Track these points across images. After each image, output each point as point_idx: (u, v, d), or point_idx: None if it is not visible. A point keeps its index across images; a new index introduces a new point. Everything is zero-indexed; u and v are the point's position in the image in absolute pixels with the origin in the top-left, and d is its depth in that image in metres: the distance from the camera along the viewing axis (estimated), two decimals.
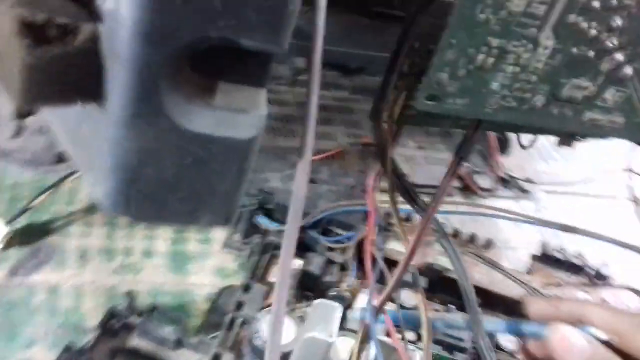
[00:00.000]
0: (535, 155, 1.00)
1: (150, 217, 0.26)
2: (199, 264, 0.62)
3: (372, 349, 0.36)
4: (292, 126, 0.88)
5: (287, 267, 0.24)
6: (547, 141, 1.00)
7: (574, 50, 0.29)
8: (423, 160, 0.89)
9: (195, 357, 0.48)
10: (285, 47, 0.23)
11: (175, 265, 0.61)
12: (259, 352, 0.44)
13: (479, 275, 0.63)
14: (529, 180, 0.88)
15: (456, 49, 0.28)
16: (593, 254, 0.66)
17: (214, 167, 0.25)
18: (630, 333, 0.32)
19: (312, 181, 0.66)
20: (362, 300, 0.51)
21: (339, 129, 0.90)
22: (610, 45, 0.29)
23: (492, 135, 0.89)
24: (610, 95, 0.31)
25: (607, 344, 0.33)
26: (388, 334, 0.38)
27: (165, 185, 0.25)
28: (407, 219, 0.66)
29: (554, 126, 0.32)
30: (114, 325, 0.46)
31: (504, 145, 0.89)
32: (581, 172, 0.89)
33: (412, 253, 0.35)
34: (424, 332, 0.36)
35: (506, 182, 0.87)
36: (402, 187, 0.36)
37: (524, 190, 0.88)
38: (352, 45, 0.95)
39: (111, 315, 0.47)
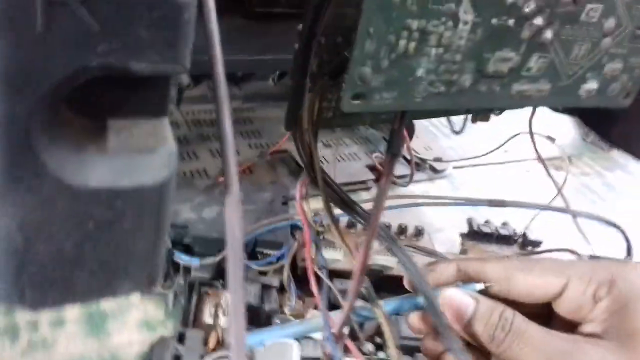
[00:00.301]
0: (438, 133, 1.01)
1: (54, 301, 0.21)
2: (119, 321, 0.55)
3: None
4: (190, 148, 0.83)
5: (239, 326, 0.20)
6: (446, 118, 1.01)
7: (494, 21, 0.27)
8: (332, 158, 0.87)
9: None
10: (187, 65, 0.19)
11: (93, 328, 0.54)
12: None
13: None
14: (438, 160, 0.89)
15: (375, 38, 0.25)
16: (517, 221, 0.67)
17: (124, 226, 0.20)
18: (512, 277, 0.33)
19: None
20: None
21: (240, 142, 0.86)
22: (528, 10, 0.27)
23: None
24: (534, 62, 0.29)
25: (483, 292, 0.33)
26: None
27: (66, 262, 0.20)
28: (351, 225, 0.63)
29: (484, 104, 0.30)
30: None
31: (410, 130, 0.89)
32: (486, 142, 0.91)
33: (362, 268, 0.31)
34: (392, 351, 0.33)
35: (418, 165, 0.87)
36: (337, 196, 0.33)
37: (436, 171, 0.88)
38: (235, 51, 0.91)
39: None
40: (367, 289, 0.34)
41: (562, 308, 0.33)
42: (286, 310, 0.52)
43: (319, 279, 0.39)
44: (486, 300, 0.32)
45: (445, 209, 0.82)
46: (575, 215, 0.58)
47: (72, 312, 0.55)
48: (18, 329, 0.52)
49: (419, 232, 0.65)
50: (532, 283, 0.33)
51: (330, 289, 0.39)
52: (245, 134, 0.88)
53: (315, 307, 0.52)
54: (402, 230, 0.66)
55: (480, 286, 0.34)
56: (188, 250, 0.57)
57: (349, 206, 0.33)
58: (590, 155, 1.04)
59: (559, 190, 0.77)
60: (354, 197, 0.34)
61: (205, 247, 0.56)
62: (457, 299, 0.32)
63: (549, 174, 0.75)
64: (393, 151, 0.31)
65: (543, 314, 0.33)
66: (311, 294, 0.55)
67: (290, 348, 0.33)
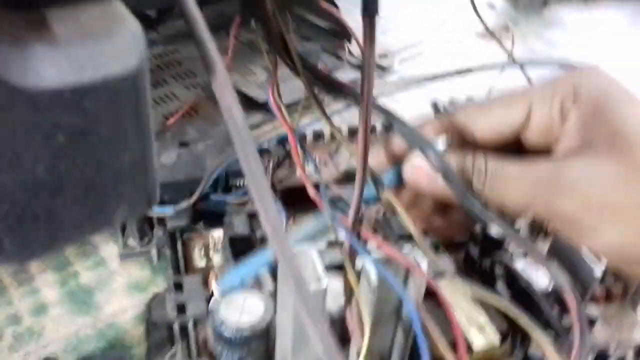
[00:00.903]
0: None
1: (41, 246, 0.17)
2: (105, 292, 0.51)
3: (367, 273, 0.31)
4: None
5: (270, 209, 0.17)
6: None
7: None
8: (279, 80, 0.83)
9: None
10: None
11: (80, 306, 0.50)
12: (235, 341, 0.37)
13: None
14: (383, 56, 0.86)
15: None
16: (481, 93, 0.66)
17: (101, 133, 0.16)
18: (473, 121, 0.31)
19: (184, 144, 0.57)
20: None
21: (176, 85, 0.80)
22: None
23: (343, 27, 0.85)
24: None
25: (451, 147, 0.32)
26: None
27: (43, 191, 0.16)
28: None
29: None
30: None
31: (347, 34, 0.85)
32: (421, 30, 0.89)
33: (365, 146, 0.28)
34: (411, 229, 0.31)
35: (361, 67, 0.84)
36: (318, 79, 0.30)
37: (384, 68, 0.85)
38: None
39: None
40: (372, 173, 0.31)
41: (532, 136, 0.30)
42: None
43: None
44: (455, 155, 0.30)
45: (410, 98, 0.80)
46: (538, 63, 0.57)
47: (51, 295, 0.50)
48: None
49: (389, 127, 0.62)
50: (495, 120, 0.31)
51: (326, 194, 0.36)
52: (178, 77, 0.82)
53: None
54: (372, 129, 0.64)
55: (442, 144, 0.31)
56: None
57: (334, 85, 0.30)
58: (524, 21, 1.03)
59: (510, 54, 0.76)
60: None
61: (175, 193, 0.52)
62: (426, 165, 0.30)
63: (497, 40, 0.73)
64: (370, 13, 0.28)
65: (514, 150, 0.31)
66: (301, 212, 0.52)
67: (309, 253, 0.30)
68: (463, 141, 0.32)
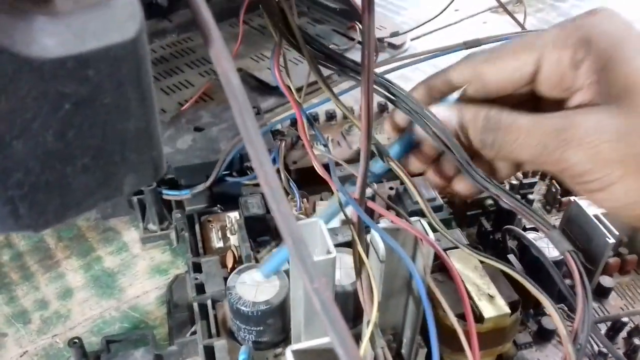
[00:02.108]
0: (387, 12, 0.97)
1: (55, 215, 0.18)
2: (128, 275, 0.53)
3: (375, 243, 0.31)
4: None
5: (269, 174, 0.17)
6: None
7: None
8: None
9: None
10: None
11: (104, 289, 0.51)
12: (252, 317, 0.38)
13: None
14: (395, 34, 0.86)
15: None
16: None
17: (105, 101, 0.17)
18: (482, 72, 0.30)
19: (198, 129, 0.58)
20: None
21: (191, 72, 0.81)
22: None
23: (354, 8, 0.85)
24: None
25: (461, 101, 0.31)
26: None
27: (53, 159, 0.17)
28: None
29: None
30: None
31: (357, 13, 0.85)
32: (434, 9, 0.88)
33: (368, 121, 0.29)
34: (417, 198, 0.32)
35: (375, 48, 0.84)
36: (320, 53, 0.30)
37: (395, 47, 0.85)
38: None
39: None
40: (376, 144, 0.31)
41: (544, 86, 0.30)
42: (294, 211, 0.51)
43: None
44: (468, 107, 0.30)
45: (418, 76, 0.80)
46: None
47: (76, 279, 0.52)
48: (28, 311, 0.49)
49: None
50: (503, 70, 0.30)
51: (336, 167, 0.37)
52: (193, 64, 0.83)
53: (322, 199, 0.51)
54: (382, 108, 0.64)
55: (455, 95, 0.31)
56: (174, 185, 0.54)
57: (336, 60, 0.30)
58: None
59: (522, 26, 0.75)
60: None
61: (191, 177, 0.53)
62: (440, 115, 0.30)
63: (509, 14, 0.73)
64: None
65: (530, 106, 0.30)
66: (314, 191, 0.53)
67: (316, 224, 0.31)
68: (473, 94, 0.31)
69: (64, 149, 0.17)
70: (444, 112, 0.30)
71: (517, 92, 0.30)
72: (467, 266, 0.38)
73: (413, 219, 0.32)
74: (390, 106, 0.64)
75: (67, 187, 0.18)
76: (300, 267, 0.16)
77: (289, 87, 0.37)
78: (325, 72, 0.31)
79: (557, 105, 0.30)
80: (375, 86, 0.31)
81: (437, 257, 0.33)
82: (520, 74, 0.29)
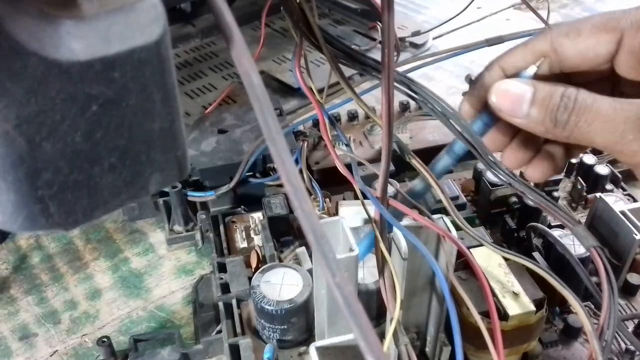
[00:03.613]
0: (408, 11, 0.97)
1: (84, 214, 0.18)
2: (154, 276, 0.54)
3: (397, 241, 0.31)
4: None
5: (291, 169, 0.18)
6: None
7: None
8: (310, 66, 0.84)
9: None
10: None
11: (131, 290, 0.52)
12: (276, 316, 0.38)
13: (431, 135, 0.59)
14: (416, 33, 0.85)
15: None
16: None
17: (131, 103, 0.18)
18: (560, 46, 0.29)
19: (222, 131, 0.59)
20: (345, 213, 0.46)
21: (214, 76, 0.82)
22: None
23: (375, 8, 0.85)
24: None
25: (537, 77, 0.29)
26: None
27: (82, 159, 0.18)
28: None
29: None
30: None
31: (379, 13, 0.85)
32: (456, 7, 0.87)
33: (389, 119, 0.29)
34: (440, 196, 0.32)
35: (396, 47, 0.84)
36: (341, 52, 0.30)
37: (417, 46, 0.85)
38: None
39: None
40: (397, 142, 0.32)
41: (623, 66, 0.28)
42: (316, 211, 0.51)
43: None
44: (544, 84, 0.28)
45: (441, 75, 0.80)
46: None
47: (104, 280, 0.53)
48: (57, 311, 0.51)
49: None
50: (582, 46, 0.28)
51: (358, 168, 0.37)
52: (216, 68, 0.84)
53: (344, 199, 0.51)
54: (404, 107, 0.64)
55: (531, 70, 0.29)
56: (199, 186, 0.55)
57: (357, 59, 0.31)
58: None
59: (546, 23, 0.74)
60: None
61: (215, 178, 0.54)
62: (513, 89, 0.28)
63: (533, 10, 0.72)
64: None
65: (608, 85, 0.29)
66: (337, 191, 0.53)
67: (339, 222, 0.31)
68: (550, 69, 0.29)
69: (92, 149, 0.17)
70: (517, 88, 0.28)
71: (595, 69, 0.29)
72: (491, 264, 0.38)
73: (435, 216, 0.32)
74: (412, 105, 0.64)
75: (95, 187, 0.18)
76: (322, 262, 0.16)
77: (310, 88, 0.37)
78: (347, 72, 0.31)
79: (636, 86, 0.29)
80: (397, 84, 0.31)
81: (460, 255, 0.33)
82: (600, 52, 0.28)
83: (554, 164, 0.31)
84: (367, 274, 0.40)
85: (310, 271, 0.40)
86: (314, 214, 0.17)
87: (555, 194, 0.53)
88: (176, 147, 0.20)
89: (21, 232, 0.18)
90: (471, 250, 0.35)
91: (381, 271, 0.32)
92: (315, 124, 0.60)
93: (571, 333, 0.42)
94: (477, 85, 0.31)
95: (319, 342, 0.26)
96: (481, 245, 0.32)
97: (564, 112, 0.27)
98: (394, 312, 0.29)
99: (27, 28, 0.15)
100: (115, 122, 0.18)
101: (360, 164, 0.39)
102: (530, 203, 0.46)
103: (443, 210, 0.41)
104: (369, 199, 0.31)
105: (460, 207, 0.49)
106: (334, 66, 0.30)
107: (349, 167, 0.37)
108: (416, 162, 0.32)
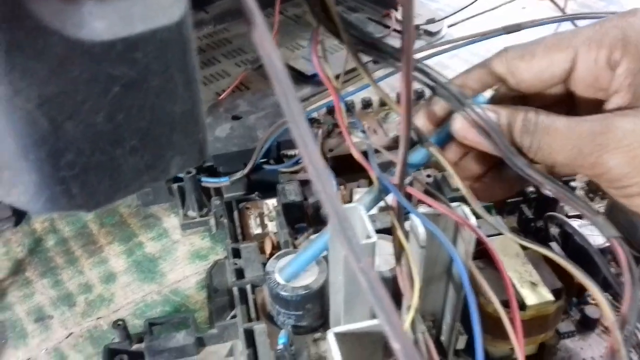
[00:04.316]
0: None
1: (106, 194, 0.18)
2: (169, 260, 0.54)
3: (415, 228, 0.31)
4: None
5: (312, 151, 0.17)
6: None
7: None
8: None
9: (226, 346, 0.41)
10: None
11: (145, 274, 0.53)
12: (291, 302, 0.38)
13: None
14: (431, 21, 0.84)
15: None
16: None
17: (153, 84, 0.18)
18: (516, 69, 0.29)
19: (236, 117, 0.58)
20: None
21: (227, 63, 0.82)
22: None
23: None
24: None
25: (494, 98, 0.31)
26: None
27: (103, 140, 0.17)
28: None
29: None
30: None
31: (393, 0, 0.84)
32: None
33: (408, 106, 0.28)
34: (458, 184, 0.31)
35: None
36: (359, 39, 0.30)
37: (432, 34, 0.84)
38: None
39: (110, 354, 0.39)
40: (416, 130, 0.31)
41: (578, 85, 0.29)
42: None
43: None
44: (505, 109, 0.29)
45: (456, 64, 0.79)
46: (592, 17, 0.55)
47: (119, 264, 0.53)
48: (72, 294, 0.51)
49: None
50: (537, 67, 0.29)
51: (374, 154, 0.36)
52: (229, 55, 0.84)
53: (359, 187, 0.51)
54: (418, 96, 0.64)
55: (488, 93, 0.30)
56: (213, 172, 0.55)
57: (376, 47, 0.30)
58: None
59: (563, 11, 0.73)
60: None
61: (229, 164, 0.54)
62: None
63: None
64: None
65: (563, 108, 0.30)
66: (351, 179, 0.53)
67: (357, 210, 0.31)
68: (507, 91, 0.30)
69: (114, 131, 0.17)
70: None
71: (551, 90, 0.30)
72: (509, 253, 0.38)
73: (454, 204, 0.31)
74: (427, 93, 0.63)
75: (117, 168, 0.18)
76: (346, 246, 0.16)
77: (324, 69, 0.37)
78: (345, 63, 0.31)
79: (591, 104, 0.29)
80: (413, 72, 0.31)
81: (477, 243, 0.33)
82: (555, 72, 0.29)
83: (507, 185, 0.32)
84: (382, 261, 0.40)
85: (325, 258, 0.40)
86: (337, 198, 0.17)
87: (573, 184, 0.53)
88: (197, 130, 0.20)
89: (43, 212, 0.18)
90: (488, 239, 0.35)
91: (398, 258, 0.32)
92: (329, 111, 0.59)
93: (588, 324, 0.41)
94: (432, 102, 0.32)
95: (337, 328, 0.26)
96: (499, 234, 0.32)
97: (527, 136, 0.28)
98: (412, 300, 0.29)
99: (49, 7, 0.15)
100: (137, 104, 0.17)
101: (377, 151, 0.38)
102: (548, 193, 0.45)
103: (458, 200, 0.41)
104: (386, 186, 0.31)
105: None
106: (353, 53, 0.29)
107: (364, 154, 0.36)
108: (434, 150, 0.31)
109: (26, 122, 0.16)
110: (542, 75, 0.29)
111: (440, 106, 0.32)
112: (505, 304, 0.31)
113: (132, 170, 0.19)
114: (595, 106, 0.29)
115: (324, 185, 0.16)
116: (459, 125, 0.30)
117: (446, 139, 0.32)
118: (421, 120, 0.33)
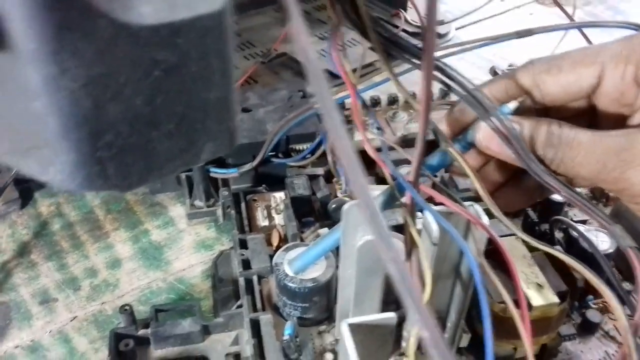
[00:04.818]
0: None
1: (140, 176, 0.19)
2: (174, 249, 0.54)
3: (428, 225, 0.31)
4: None
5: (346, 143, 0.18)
6: None
7: None
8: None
9: (231, 335, 0.42)
10: None
11: (151, 261, 0.53)
12: (298, 293, 0.39)
13: None
14: (440, 23, 0.85)
15: None
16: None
17: (192, 68, 0.18)
18: (542, 82, 0.30)
19: (246, 110, 0.59)
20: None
21: (236, 56, 0.82)
22: None
23: None
24: None
25: (519, 110, 0.31)
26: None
27: (141, 123, 0.18)
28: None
29: None
30: (128, 344, 0.39)
31: (401, 3, 0.84)
32: None
33: (427, 104, 0.29)
34: (476, 185, 0.32)
35: (418, 35, 0.83)
36: (385, 38, 0.30)
37: (440, 35, 0.84)
38: None
39: (116, 338, 0.39)
40: (434, 129, 0.32)
41: (604, 100, 0.29)
42: (339, 194, 0.51)
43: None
44: (528, 121, 0.29)
45: (463, 66, 0.79)
46: (602, 26, 0.55)
47: (125, 251, 0.54)
48: (77, 279, 0.51)
49: (446, 94, 0.62)
50: (564, 81, 0.29)
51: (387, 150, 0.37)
52: (238, 48, 0.84)
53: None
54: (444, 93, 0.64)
55: (513, 105, 0.31)
56: (222, 163, 0.55)
57: (399, 45, 0.31)
58: None
59: (571, 18, 0.74)
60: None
61: (238, 156, 0.54)
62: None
63: (559, 5, 0.71)
64: None
65: (584, 120, 0.30)
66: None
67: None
68: (531, 103, 0.31)
69: (152, 114, 0.18)
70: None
71: (573, 103, 0.30)
72: (515, 255, 0.38)
73: (467, 203, 0.32)
74: (436, 93, 0.64)
75: (152, 151, 0.18)
76: (378, 237, 0.16)
77: (343, 65, 0.37)
78: (369, 59, 0.31)
79: (614, 119, 0.30)
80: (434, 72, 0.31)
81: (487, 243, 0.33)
82: (581, 87, 0.29)
83: (526, 195, 0.33)
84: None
85: (334, 253, 0.40)
86: (369, 190, 0.17)
87: (577, 190, 0.53)
88: (230, 117, 0.20)
89: (79, 191, 0.18)
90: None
91: (408, 255, 0.33)
92: (341, 107, 0.59)
93: (589, 328, 0.42)
94: (456, 110, 0.32)
95: (350, 319, 0.26)
96: (511, 235, 0.33)
97: (551, 149, 0.28)
98: (424, 296, 0.29)
99: None
100: (175, 89, 0.18)
101: (391, 148, 0.38)
102: (560, 199, 0.46)
103: (472, 198, 0.41)
104: (400, 183, 0.31)
105: (480, 198, 0.49)
106: (380, 49, 0.30)
107: (378, 151, 0.37)
108: (452, 150, 0.32)
109: (70, 101, 0.16)
110: (569, 90, 0.29)
111: (462, 112, 0.32)
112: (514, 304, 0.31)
113: (166, 154, 0.19)
114: (617, 120, 0.29)
115: (357, 177, 0.17)
116: (483, 134, 0.30)
117: (466, 147, 0.33)
118: (443, 126, 0.34)
